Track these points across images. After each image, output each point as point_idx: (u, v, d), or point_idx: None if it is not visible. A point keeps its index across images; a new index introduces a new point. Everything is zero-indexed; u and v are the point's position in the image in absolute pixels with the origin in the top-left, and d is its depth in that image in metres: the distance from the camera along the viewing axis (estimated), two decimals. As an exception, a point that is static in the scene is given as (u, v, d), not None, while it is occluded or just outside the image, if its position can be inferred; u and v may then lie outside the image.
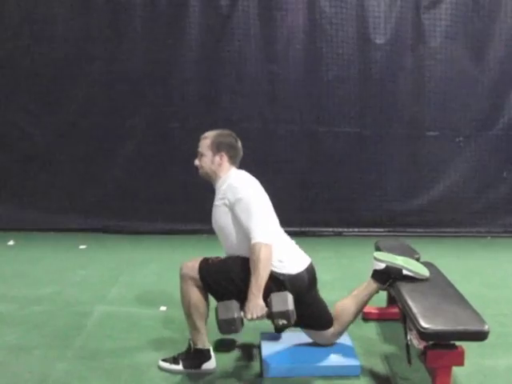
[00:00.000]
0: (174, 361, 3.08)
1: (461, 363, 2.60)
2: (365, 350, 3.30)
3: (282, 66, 5.73)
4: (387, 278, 3.15)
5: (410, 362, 2.88)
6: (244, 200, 2.90)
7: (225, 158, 3.07)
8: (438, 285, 3.05)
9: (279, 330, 3.09)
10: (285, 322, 2.78)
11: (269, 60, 5.72)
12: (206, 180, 3.15)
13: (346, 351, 3.13)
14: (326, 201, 5.91)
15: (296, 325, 2.93)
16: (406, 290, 2.96)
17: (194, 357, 3.05)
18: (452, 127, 5.86)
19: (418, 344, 2.70)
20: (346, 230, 5.96)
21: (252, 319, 2.81)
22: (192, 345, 3.05)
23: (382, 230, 5.86)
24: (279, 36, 5.67)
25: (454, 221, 5.97)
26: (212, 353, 3.06)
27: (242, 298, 2.83)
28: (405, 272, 3.10)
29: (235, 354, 3.28)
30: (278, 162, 5.74)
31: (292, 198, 5.69)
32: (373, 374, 3.06)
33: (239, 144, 3.15)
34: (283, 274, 2.91)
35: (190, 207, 5.72)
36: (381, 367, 3.14)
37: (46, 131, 5.84)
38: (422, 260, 3.36)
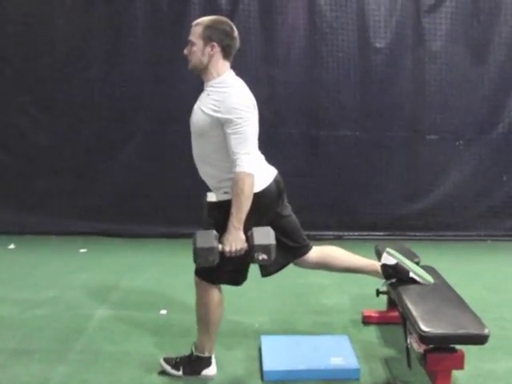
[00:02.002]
0: (175, 366, 3.05)
1: (461, 367, 2.60)
2: (365, 354, 3.31)
3: (282, 70, 5.73)
4: (393, 274, 3.11)
5: (410, 365, 2.88)
6: (240, 123, 2.68)
7: (217, 49, 2.83)
8: (438, 288, 3.05)
9: (264, 272, 2.98)
10: (265, 256, 2.66)
11: (269, 64, 5.72)
12: (195, 73, 2.92)
13: (345, 355, 3.14)
14: (325, 204, 5.91)
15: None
16: (406, 293, 2.96)
17: (194, 363, 3.04)
18: (452, 131, 5.86)
19: (418, 347, 2.71)
20: (346, 233, 5.95)
21: (230, 252, 2.69)
22: (194, 351, 3.04)
23: (382, 233, 5.86)
24: (279, 40, 5.68)
25: (454, 224, 5.97)
26: (213, 359, 3.05)
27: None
28: (411, 275, 3.07)
29: (235, 357, 3.28)
30: (278, 165, 5.73)
31: (292, 202, 5.67)
32: (373, 378, 3.06)
33: (235, 34, 2.89)
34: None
35: (191, 211, 5.68)
36: (381, 371, 3.14)
37: (47, 134, 5.85)
38: (422, 264, 3.37)
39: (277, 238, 2.74)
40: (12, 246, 5.51)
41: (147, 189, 5.85)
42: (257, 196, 2.75)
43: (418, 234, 5.87)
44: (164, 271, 4.82)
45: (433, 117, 5.83)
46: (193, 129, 2.88)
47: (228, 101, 2.72)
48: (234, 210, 2.68)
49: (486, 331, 2.52)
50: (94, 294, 4.29)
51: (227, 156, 2.73)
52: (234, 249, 2.68)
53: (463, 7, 5.66)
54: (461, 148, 5.90)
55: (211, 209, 2.90)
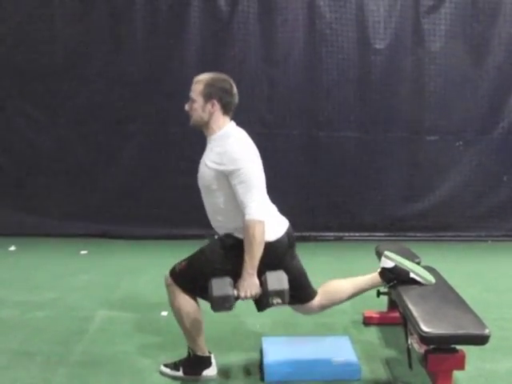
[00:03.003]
0: (175, 367, 3.07)
1: (462, 367, 2.60)
2: (366, 354, 3.31)
3: (282, 71, 5.74)
4: (393, 277, 3.11)
5: (410, 366, 2.89)
6: (244, 172, 2.72)
7: (217, 107, 2.86)
8: (439, 289, 3.05)
9: (263, 308, 2.99)
10: (279, 300, 2.74)
11: (269, 64, 5.74)
12: (196, 129, 2.97)
13: (346, 355, 3.13)
14: (326, 205, 5.91)
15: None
16: (406, 294, 2.96)
17: (194, 363, 3.04)
18: (452, 131, 5.87)
19: (418, 348, 2.71)
20: (346, 234, 5.97)
21: (246, 298, 2.77)
22: (191, 351, 3.05)
23: (382, 234, 5.86)
24: (279, 41, 5.69)
25: (454, 225, 5.98)
26: (213, 360, 3.05)
27: (232, 277, 2.78)
28: (412, 275, 3.07)
29: (236, 358, 3.29)
30: (278, 166, 5.75)
31: (292, 203, 5.68)
32: (374, 379, 3.06)
33: (234, 90, 2.93)
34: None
35: (191, 212, 5.70)
36: (382, 371, 3.14)
37: (47, 136, 5.86)
38: (422, 264, 3.37)
39: None
40: (13, 248, 5.51)
41: (148, 190, 5.85)
42: (268, 246, 2.80)
43: (418, 234, 5.88)
44: (165, 273, 4.81)
45: (433, 117, 5.84)
46: (200, 183, 2.94)
47: (229, 152, 2.77)
48: (247, 257, 2.74)
49: (487, 331, 2.52)
50: (95, 295, 4.29)
51: (237, 206, 2.78)
52: (249, 294, 2.77)
53: (462, 8, 5.67)
54: (461, 148, 5.91)
55: (227, 250, 2.89)
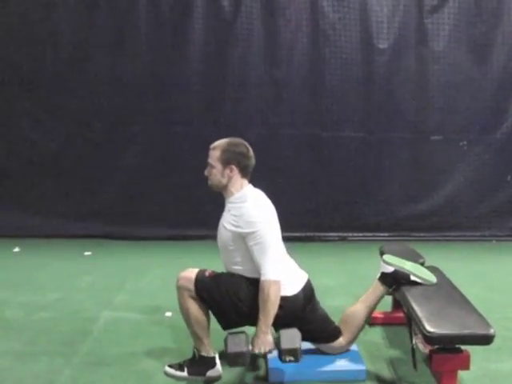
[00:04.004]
0: (180, 367, 3.06)
1: (466, 367, 2.60)
2: (370, 355, 3.30)
3: (285, 71, 5.74)
4: (394, 281, 3.14)
5: (415, 366, 2.88)
6: (259, 234, 2.81)
7: (235, 171, 2.93)
8: (443, 289, 3.05)
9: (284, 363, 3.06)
10: (292, 358, 2.83)
11: (272, 65, 5.73)
12: (215, 191, 3.02)
13: (351, 356, 3.13)
14: (330, 205, 5.91)
15: (304, 340, 2.93)
16: (411, 294, 2.96)
17: (198, 364, 3.04)
18: (456, 131, 5.86)
19: (423, 348, 2.71)
20: (350, 234, 5.96)
21: (260, 354, 2.86)
22: (196, 352, 3.05)
23: (386, 234, 5.86)
24: (282, 41, 5.69)
25: (458, 225, 5.97)
26: (218, 360, 3.06)
27: (245, 320, 2.91)
28: (412, 278, 3.10)
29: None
30: (282, 167, 5.75)
31: (296, 203, 5.69)
32: (378, 379, 3.06)
33: (251, 153, 2.98)
34: (280, 298, 2.86)
35: (194, 213, 5.74)
36: (386, 372, 3.14)
37: (50, 138, 5.87)
38: (426, 264, 3.36)
39: (304, 336, 2.90)
40: (17, 249, 5.52)
41: (151, 191, 5.86)
42: (285, 300, 2.89)
43: (422, 234, 5.88)
44: (168, 273, 4.78)
45: (436, 117, 5.84)
46: (219, 243, 3.02)
47: (246, 215, 2.85)
48: (261, 315, 2.82)
49: (492, 331, 2.52)
50: (99, 296, 4.29)
51: (253, 264, 2.87)
52: (263, 351, 2.85)
53: (466, 7, 5.66)
54: (465, 148, 5.90)
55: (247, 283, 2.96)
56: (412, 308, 2.79)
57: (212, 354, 3.04)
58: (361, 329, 3.22)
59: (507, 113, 5.85)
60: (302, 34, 5.68)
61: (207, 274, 2.98)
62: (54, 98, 5.79)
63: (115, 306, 4.10)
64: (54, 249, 5.60)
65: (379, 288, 3.21)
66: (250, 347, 2.84)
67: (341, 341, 3.17)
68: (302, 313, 3.02)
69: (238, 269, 2.96)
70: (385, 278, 3.17)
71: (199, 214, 5.63)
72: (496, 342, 2.55)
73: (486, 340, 2.53)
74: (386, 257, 3.21)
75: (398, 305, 3.56)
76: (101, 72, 5.73)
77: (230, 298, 2.91)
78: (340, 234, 5.95)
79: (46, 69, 5.73)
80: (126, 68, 5.72)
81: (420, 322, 2.62)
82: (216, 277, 2.99)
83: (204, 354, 3.02)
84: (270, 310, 2.80)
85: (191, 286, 2.93)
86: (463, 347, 2.59)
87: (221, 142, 2.98)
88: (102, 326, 3.76)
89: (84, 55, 5.70)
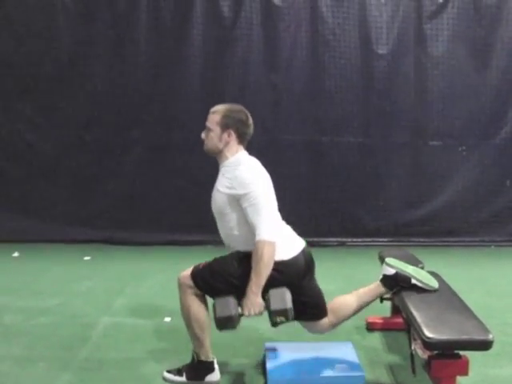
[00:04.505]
0: (178, 372, 3.07)
1: (465, 373, 2.59)
2: (369, 360, 3.30)
3: (284, 77, 5.76)
4: (395, 284, 3.12)
5: (414, 371, 2.88)
6: (253, 195, 2.80)
7: (233, 137, 2.95)
8: (442, 294, 3.05)
9: (275, 325, 3.01)
10: (283, 319, 2.78)
11: (272, 70, 5.75)
12: (209, 155, 3.02)
13: (350, 361, 3.13)
14: (329, 211, 5.91)
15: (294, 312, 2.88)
16: (410, 299, 2.96)
17: (197, 369, 3.04)
18: (455, 136, 5.87)
19: (422, 354, 2.70)
20: (349, 239, 5.96)
21: (249, 316, 2.81)
22: (195, 357, 3.05)
23: (385, 239, 5.86)
24: (282, 47, 5.71)
25: (457, 230, 5.97)
26: (216, 365, 3.06)
27: (240, 294, 2.83)
28: (413, 281, 3.07)
29: (239, 364, 3.29)
30: (281, 171, 5.73)
31: (295, 208, 5.68)
32: (377, 384, 3.06)
33: (250, 121, 3.02)
34: (276, 262, 2.84)
35: (194, 218, 5.73)
36: (385, 377, 3.14)
37: (51, 142, 5.87)
38: (425, 269, 3.36)
39: (295, 307, 2.84)
40: (16, 254, 5.52)
41: (151, 196, 5.86)
42: (283, 265, 2.87)
43: (421, 239, 5.87)
44: (168, 278, 4.79)
45: (435, 122, 5.85)
46: (213, 208, 3.01)
47: (240, 177, 2.86)
48: (253, 275, 2.79)
49: (491, 337, 2.52)
50: (98, 301, 4.29)
51: (249, 230, 2.85)
52: (252, 313, 2.81)
53: (465, 13, 5.68)
54: (464, 153, 5.91)
55: (240, 261, 2.94)
56: (411, 313, 2.79)
57: (211, 359, 3.04)
58: (347, 319, 3.21)
59: (506, 118, 5.87)
60: (302, 39, 5.70)
61: (201, 266, 2.98)
62: (53, 102, 5.80)
63: (114, 311, 4.10)
64: (53, 254, 5.60)
65: (379, 289, 3.18)
66: (240, 310, 2.80)
67: (325, 321, 3.15)
68: (302, 280, 2.99)
69: (234, 235, 2.93)
70: (386, 281, 3.15)
71: (199, 220, 5.61)
72: (495, 347, 2.55)
73: (484, 345, 2.53)
74: (389, 259, 3.19)
75: (397, 310, 3.55)
76: (100, 77, 5.75)
77: (223, 276, 2.90)
78: (339, 240, 5.95)
79: (45, 74, 5.74)
80: (126, 73, 5.73)
81: (419, 327, 2.62)
82: (208, 264, 2.98)
83: (203, 358, 3.02)
84: (262, 270, 2.77)
85: (189, 281, 2.94)
86: (462, 353, 2.59)
87: (221, 107, 2.99)
88: (102, 331, 3.76)
89: (83, 60, 5.72)
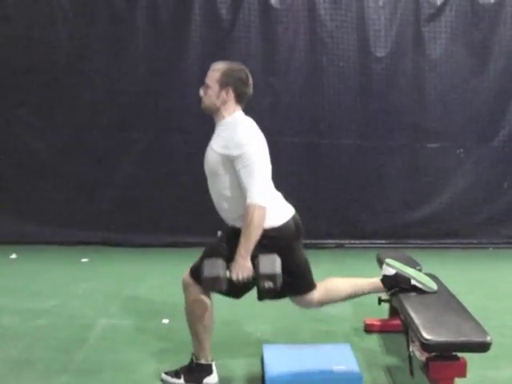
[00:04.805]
0: (176, 374, 3.07)
1: (463, 375, 2.60)
2: (367, 362, 3.31)
3: (283, 79, 5.75)
4: (395, 284, 3.11)
5: (412, 373, 2.88)
6: (247, 157, 2.78)
7: (231, 95, 2.92)
8: (441, 296, 3.05)
9: (263, 296, 3.02)
10: (271, 284, 2.74)
11: (270, 73, 5.74)
12: (206, 113, 3.00)
13: (348, 363, 3.13)
14: (327, 213, 5.91)
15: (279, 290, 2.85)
16: (408, 301, 2.96)
17: (195, 371, 3.04)
18: (453, 139, 5.87)
19: (420, 355, 2.71)
20: (347, 241, 5.96)
21: (238, 280, 2.78)
22: (194, 359, 3.05)
23: (383, 241, 5.86)
24: (280, 49, 5.70)
25: (455, 232, 5.97)
26: (214, 367, 3.06)
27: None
28: (413, 282, 3.07)
29: (237, 366, 3.28)
30: (279, 173, 5.71)
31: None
32: (375, 386, 3.06)
33: (250, 81, 3.00)
34: (267, 229, 2.83)
35: (192, 220, 5.73)
36: (383, 379, 3.14)
37: (49, 144, 5.86)
38: (423, 272, 3.37)
39: (283, 275, 2.80)
40: (14, 256, 5.51)
41: (149, 198, 5.85)
42: (274, 231, 2.86)
43: (419, 242, 5.87)
44: (166, 280, 4.82)
45: (433, 125, 5.85)
46: (206, 168, 2.98)
47: (236, 137, 2.83)
48: (242, 239, 2.77)
49: (489, 339, 2.52)
50: (96, 303, 4.29)
51: (241, 192, 2.82)
52: (240, 277, 2.77)
53: (463, 16, 5.68)
54: (461, 156, 5.91)
55: (229, 238, 2.94)
56: (409, 315, 2.79)
57: (209, 361, 3.04)
58: (334, 302, 3.22)
59: (504, 120, 5.87)
60: (300, 42, 5.70)
61: (196, 263, 2.98)
62: (51, 104, 5.78)
63: (112, 313, 4.10)
64: (51, 255, 5.59)
65: (378, 286, 3.17)
66: (228, 273, 2.77)
67: (314, 297, 3.14)
68: (291, 246, 2.97)
69: (225, 198, 2.90)
70: (386, 281, 3.15)
71: (197, 221, 5.62)
72: (493, 349, 2.55)
73: (482, 347, 2.54)
74: (389, 260, 3.19)
75: (394, 312, 3.55)
76: (99, 79, 5.73)
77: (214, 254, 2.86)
78: (337, 242, 5.95)
79: (43, 76, 5.72)
80: (124, 76, 5.72)
81: (417, 329, 2.62)
82: (200, 257, 2.96)
83: (203, 361, 3.02)
84: (251, 233, 2.74)
85: (189, 278, 2.95)
86: (460, 355, 2.59)
87: (222, 65, 2.97)
88: (99, 333, 3.75)
89: (82, 63, 5.70)
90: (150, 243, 5.81)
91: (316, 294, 3.15)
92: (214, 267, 2.76)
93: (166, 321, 3.91)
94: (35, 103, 5.79)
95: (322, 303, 3.19)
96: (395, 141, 5.87)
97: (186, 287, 2.99)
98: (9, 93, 5.78)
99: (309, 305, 3.19)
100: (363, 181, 5.90)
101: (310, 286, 3.13)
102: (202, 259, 2.93)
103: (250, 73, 5.63)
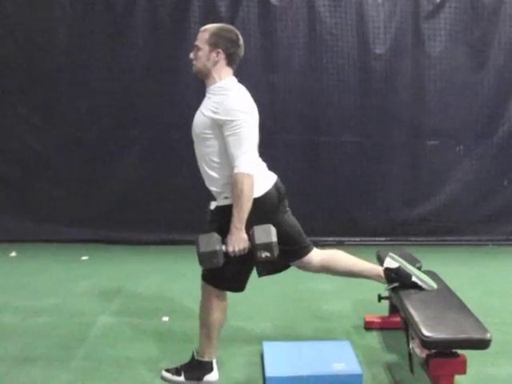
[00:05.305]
0: (177, 372, 3.07)
1: (463, 371, 2.60)
2: (367, 359, 3.31)
3: (282, 76, 5.74)
4: (396, 278, 3.11)
5: (412, 370, 2.88)
6: (237, 124, 2.72)
7: (222, 56, 2.88)
8: (440, 293, 3.05)
9: (262, 270, 3.01)
10: (268, 254, 2.73)
11: (269, 70, 5.74)
12: (198, 77, 2.95)
13: (348, 360, 3.13)
14: (327, 210, 5.91)
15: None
16: (408, 298, 2.96)
17: (196, 368, 3.04)
18: (452, 136, 5.87)
19: (420, 352, 2.71)
20: (347, 239, 5.95)
21: (234, 252, 2.75)
22: (195, 356, 3.05)
23: (383, 238, 5.86)
24: (279, 46, 5.69)
25: (455, 229, 5.97)
26: (215, 365, 3.06)
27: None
28: (414, 279, 3.07)
29: (237, 363, 3.29)
30: (279, 171, 5.73)
31: (293, 208, 5.66)
32: (375, 383, 3.06)
33: (241, 42, 2.94)
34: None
35: (192, 217, 5.69)
36: (383, 376, 3.14)
37: (48, 143, 5.85)
38: (423, 269, 3.37)
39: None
40: (13, 254, 5.51)
41: (148, 195, 5.85)
42: (257, 201, 2.80)
43: (419, 239, 5.87)
44: (166, 278, 4.83)
45: (433, 122, 5.84)
46: (194, 133, 2.94)
47: (226, 103, 2.78)
48: (235, 211, 2.73)
49: (489, 336, 2.52)
50: (96, 301, 4.29)
51: (227, 160, 2.78)
52: (237, 249, 2.74)
53: (462, 13, 5.67)
54: (461, 153, 5.90)
55: (213, 215, 2.95)
56: (409, 312, 2.79)
57: (208, 359, 3.04)
58: (332, 274, 3.25)
59: (503, 117, 5.86)
60: (299, 38, 5.69)
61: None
62: (50, 103, 5.78)
63: (112, 311, 4.10)
64: (50, 253, 5.59)
65: (379, 273, 3.17)
66: (224, 246, 2.75)
67: (312, 259, 3.15)
68: (275, 212, 2.96)
69: (213, 164, 2.86)
70: (388, 273, 3.14)
71: (197, 219, 5.59)
72: (493, 346, 2.56)
73: (482, 344, 2.54)
74: (393, 254, 3.18)
75: (394, 309, 3.55)
76: (97, 77, 5.73)
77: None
78: (337, 239, 5.94)
79: (42, 74, 5.72)
80: (123, 73, 5.71)
81: (417, 326, 2.63)
82: None
83: (205, 358, 3.02)
84: (243, 204, 2.71)
85: (204, 285, 2.97)
86: (460, 351, 2.59)
87: (211, 26, 2.93)
88: (99, 330, 3.75)
89: (81, 60, 5.69)
90: (150, 241, 5.82)
91: (317, 258, 3.17)
92: (210, 242, 2.73)
93: (165, 318, 3.90)
94: (34, 101, 5.79)
95: (322, 268, 3.20)
96: (395, 138, 5.86)
97: (203, 289, 3.00)
98: (7, 91, 5.77)
99: (308, 267, 3.20)
100: (363, 178, 5.89)
101: (305, 249, 3.14)
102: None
103: (250, 71, 5.66)
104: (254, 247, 2.73)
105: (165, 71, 5.69)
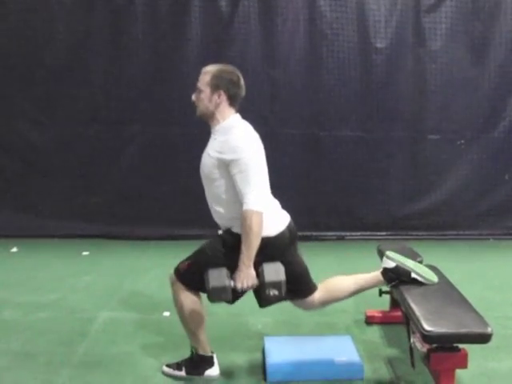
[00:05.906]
0: (178, 367, 3.08)
1: (464, 366, 2.60)
2: (368, 354, 3.31)
3: (283, 71, 5.74)
4: (395, 277, 3.11)
5: (413, 365, 2.88)
6: (243, 162, 2.72)
7: (223, 98, 2.86)
8: (441, 287, 3.05)
9: (265, 303, 2.98)
10: (276, 292, 2.74)
11: (270, 65, 5.73)
12: (201, 119, 2.96)
13: (349, 355, 3.13)
14: (327, 205, 5.91)
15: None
16: (409, 293, 2.96)
17: (196, 363, 3.05)
18: (453, 130, 5.86)
19: (421, 347, 2.71)
20: (348, 233, 5.96)
21: (242, 289, 2.76)
22: (194, 351, 3.05)
23: (384, 233, 5.86)
24: (280, 41, 5.68)
25: (456, 223, 5.97)
26: (215, 360, 3.06)
27: (231, 271, 2.78)
28: (413, 275, 3.06)
29: (238, 358, 3.29)
30: (280, 166, 5.73)
31: (294, 203, 5.65)
32: (376, 378, 3.06)
33: (242, 82, 2.94)
34: (262, 238, 2.77)
35: (192, 212, 5.71)
36: (384, 370, 3.14)
37: (48, 138, 5.85)
38: (424, 263, 3.36)
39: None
40: (15, 249, 5.51)
41: (149, 191, 5.85)
42: (269, 240, 2.82)
43: (420, 233, 5.88)
44: (166, 273, 4.75)
45: (434, 116, 5.83)
46: (202, 173, 2.94)
47: (231, 141, 2.78)
48: (243, 248, 2.73)
49: (490, 330, 2.52)
50: (97, 296, 4.29)
51: (235, 198, 2.79)
52: (245, 286, 2.75)
53: (463, 6, 5.66)
54: (462, 147, 5.90)
55: (223, 239, 2.93)
56: (410, 307, 2.79)
57: (210, 353, 3.04)
58: (338, 301, 3.20)
59: (505, 112, 5.86)
60: (300, 33, 5.68)
61: (186, 265, 2.95)
62: (51, 98, 5.77)
63: (113, 306, 4.10)
64: (52, 249, 5.60)
65: (378, 279, 3.15)
66: (232, 282, 2.75)
67: (314, 299, 3.13)
68: (286, 253, 2.94)
69: (221, 202, 2.86)
70: (386, 273, 3.15)
71: (197, 214, 5.57)
72: (494, 340, 2.55)
73: (483, 338, 2.53)
74: (389, 253, 3.18)
75: (395, 304, 3.55)
76: (98, 72, 5.73)
77: (212, 265, 2.81)
78: (338, 234, 5.95)
79: (43, 69, 5.71)
80: (124, 68, 5.71)
81: (418, 320, 2.62)
82: (192, 261, 2.94)
83: (201, 352, 3.02)
84: (252, 241, 2.71)
85: (174, 276, 2.96)
86: (461, 346, 2.59)
87: (212, 68, 2.94)
88: (101, 325, 3.76)
89: (81, 55, 5.69)
90: (151, 236, 5.83)
91: (317, 296, 3.14)
92: (220, 277, 2.74)
93: (167, 313, 3.90)
94: (35, 97, 5.79)
95: (324, 303, 3.18)
96: (396, 132, 5.86)
97: (174, 285, 2.97)
98: (8, 86, 5.77)
99: (311, 307, 3.19)
100: (364, 172, 5.89)
101: (310, 289, 3.13)
102: (190, 258, 2.95)
103: (250, 65, 5.65)
104: (262, 285, 2.75)
105: (165, 67, 5.69)
